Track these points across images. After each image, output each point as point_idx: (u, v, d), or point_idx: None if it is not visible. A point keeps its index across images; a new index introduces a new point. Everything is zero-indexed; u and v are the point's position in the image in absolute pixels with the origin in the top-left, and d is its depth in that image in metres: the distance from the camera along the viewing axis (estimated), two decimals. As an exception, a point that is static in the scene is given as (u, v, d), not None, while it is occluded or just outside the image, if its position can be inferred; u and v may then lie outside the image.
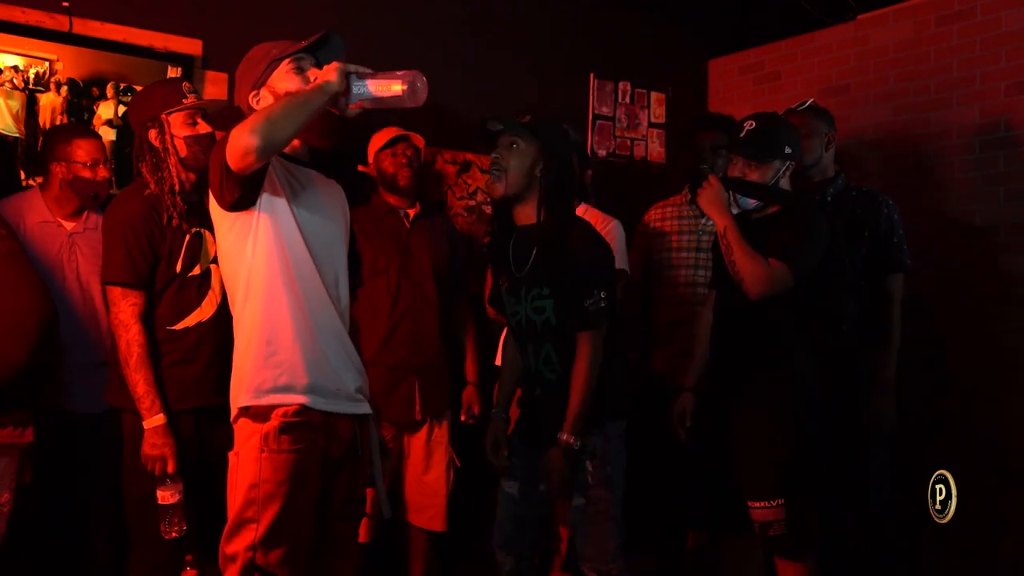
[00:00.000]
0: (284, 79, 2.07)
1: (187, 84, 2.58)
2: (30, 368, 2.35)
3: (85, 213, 2.83)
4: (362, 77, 1.98)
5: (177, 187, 2.48)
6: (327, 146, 2.18)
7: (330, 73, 1.95)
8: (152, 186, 2.48)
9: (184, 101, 2.51)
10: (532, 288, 2.45)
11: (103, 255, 2.51)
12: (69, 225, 2.80)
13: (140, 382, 2.41)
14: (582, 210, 3.30)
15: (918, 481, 3.18)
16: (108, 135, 3.11)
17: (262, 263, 2.04)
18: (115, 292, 2.45)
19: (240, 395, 2.07)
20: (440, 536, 3.19)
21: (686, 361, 3.07)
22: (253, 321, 2.06)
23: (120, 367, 2.44)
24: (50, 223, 2.77)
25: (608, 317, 2.40)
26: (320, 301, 2.09)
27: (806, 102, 3.11)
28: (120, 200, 2.54)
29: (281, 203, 2.04)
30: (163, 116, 2.50)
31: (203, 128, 2.53)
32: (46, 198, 2.79)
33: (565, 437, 2.35)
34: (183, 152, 2.50)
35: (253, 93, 2.09)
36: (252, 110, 2.11)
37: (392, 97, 1.99)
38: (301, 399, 2.04)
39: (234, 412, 2.09)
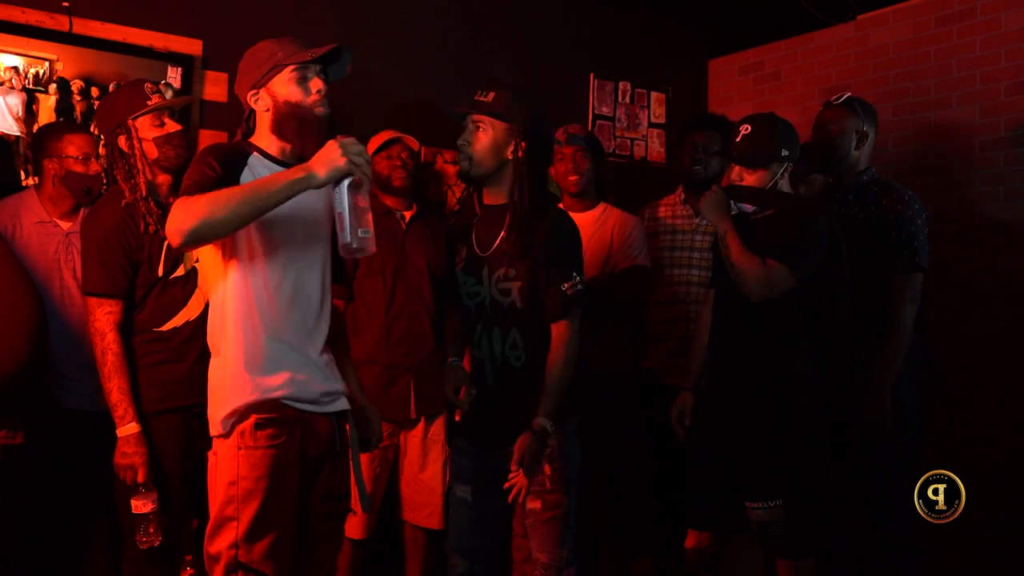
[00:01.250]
0: (285, 86, 2.05)
1: (149, 85, 2.54)
2: (30, 369, 2.37)
3: (81, 212, 2.83)
4: (355, 189, 1.92)
5: (145, 192, 2.47)
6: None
7: (320, 166, 1.90)
8: (127, 194, 2.47)
9: (148, 103, 2.49)
10: (497, 269, 2.33)
11: (81, 265, 2.52)
12: (65, 225, 2.80)
13: (114, 390, 2.41)
14: (601, 209, 3.31)
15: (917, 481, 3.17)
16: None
17: (233, 276, 2.03)
18: (91, 301, 2.45)
19: (218, 411, 2.06)
20: (437, 534, 3.19)
21: (679, 360, 3.07)
22: (224, 329, 2.06)
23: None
24: (47, 223, 2.77)
25: (583, 301, 2.29)
26: (282, 316, 2.06)
27: (843, 96, 3.02)
28: (95, 209, 2.53)
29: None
30: (129, 121, 2.48)
31: (172, 127, 2.51)
32: (41, 198, 2.79)
33: (540, 422, 2.22)
34: (153, 154, 2.49)
35: (252, 93, 2.09)
36: (251, 109, 2.10)
37: (340, 227, 1.93)
38: (275, 395, 2.04)
39: (214, 428, 2.08)
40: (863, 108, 2.99)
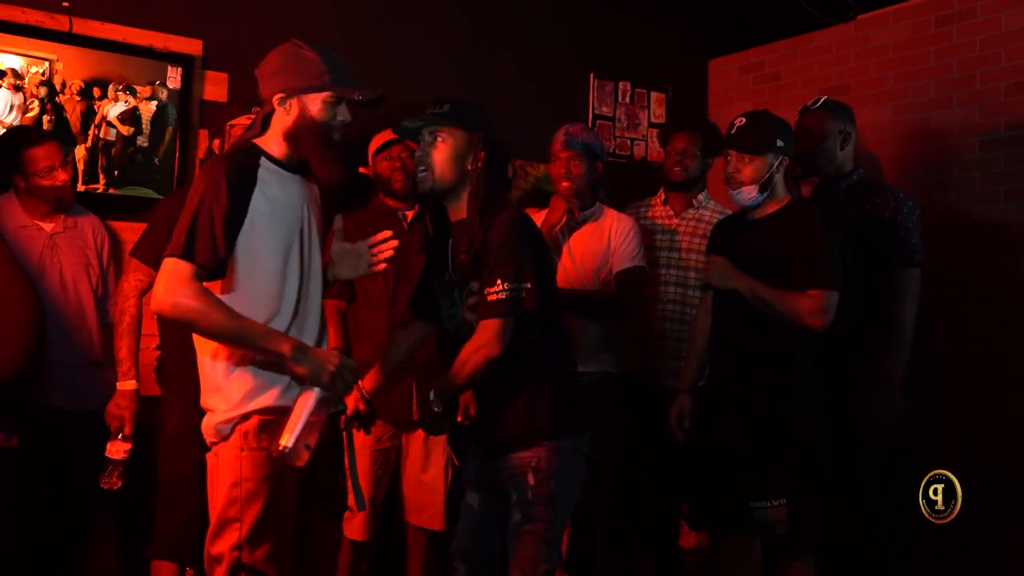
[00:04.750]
0: (317, 105, 2.05)
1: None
2: (25, 372, 2.37)
3: (62, 214, 2.83)
4: (322, 404, 1.97)
5: None
6: (336, 181, 2.17)
7: (309, 363, 1.97)
8: None
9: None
10: (465, 287, 2.29)
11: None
12: (48, 227, 2.81)
13: (123, 348, 2.72)
14: (598, 211, 3.30)
15: (918, 481, 3.18)
16: (108, 135, 3.12)
17: (235, 280, 2.01)
18: (131, 263, 2.77)
19: (213, 418, 2.05)
20: (439, 535, 3.19)
21: (660, 359, 3.09)
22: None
23: (164, 357, 2.75)
24: (28, 227, 2.77)
25: (513, 308, 2.16)
26: (283, 322, 2.05)
27: (819, 100, 3.03)
28: (176, 191, 2.92)
29: (247, 230, 2.01)
30: (227, 127, 2.88)
31: None
32: (21, 202, 2.79)
33: (432, 399, 2.26)
34: None
35: (282, 96, 2.05)
36: (271, 107, 2.07)
37: (288, 427, 1.94)
38: (273, 397, 2.03)
39: (209, 436, 2.08)
40: (840, 109, 3.01)
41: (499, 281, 2.16)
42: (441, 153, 2.23)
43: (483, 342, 2.17)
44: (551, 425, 2.25)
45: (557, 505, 2.23)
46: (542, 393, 2.26)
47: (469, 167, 2.24)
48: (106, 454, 2.71)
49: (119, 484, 2.71)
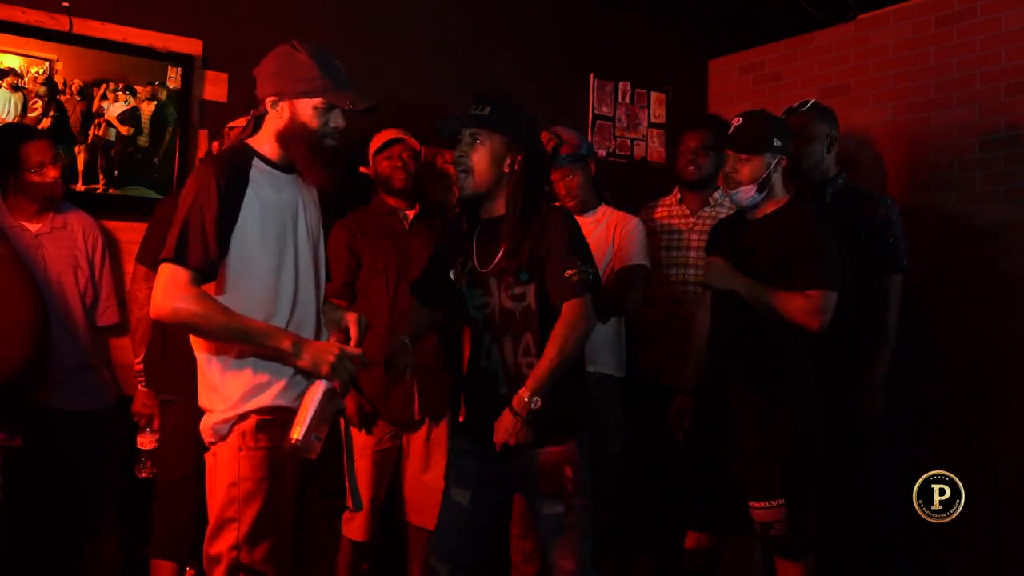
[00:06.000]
0: (308, 111, 2.05)
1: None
2: (27, 371, 2.37)
3: (50, 214, 2.83)
4: (330, 396, 1.98)
5: None
6: (323, 186, 2.16)
7: (309, 356, 1.99)
8: None
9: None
10: (505, 277, 2.32)
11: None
12: (34, 227, 2.80)
13: (142, 354, 2.87)
14: (601, 211, 3.30)
15: (913, 482, 3.18)
16: (108, 135, 3.12)
17: (230, 279, 2.01)
18: (139, 271, 2.87)
19: (211, 418, 2.05)
20: (440, 536, 3.19)
21: (677, 359, 3.08)
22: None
23: (160, 358, 2.81)
24: (13, 227, 2.76)
25: (592, 287, 2.27)
26: (281, 320, 2.05)
27: (807, 102, 3.06)
28: (169, 195, 2.93)
29: (239, 230, 2.01)
30: (225, 130, 2.88)
31: None
32: (7, 202, 2.79)
33: (524, 394, 2.19)
34: None
35: (274, 98, 2.06)
36: (265, 109, 2.08)
37: (299, 421, 1.95)
38: (271, 397, 2.03)
39: (207, 435, 2.07)
40: (827, 113, 3.06)
41: (577, 263, 2.26)
42: (480, 156, 2.29)
43: (577, 316, 2.24)
44: (578, 421, 2.34)
45: (589, 493, 2.33)
46: (570, 390, 2.32)
47: (506, 170, 2.30)
48: (137, 446, 2.90)
49: (157, 471, 2.88)
